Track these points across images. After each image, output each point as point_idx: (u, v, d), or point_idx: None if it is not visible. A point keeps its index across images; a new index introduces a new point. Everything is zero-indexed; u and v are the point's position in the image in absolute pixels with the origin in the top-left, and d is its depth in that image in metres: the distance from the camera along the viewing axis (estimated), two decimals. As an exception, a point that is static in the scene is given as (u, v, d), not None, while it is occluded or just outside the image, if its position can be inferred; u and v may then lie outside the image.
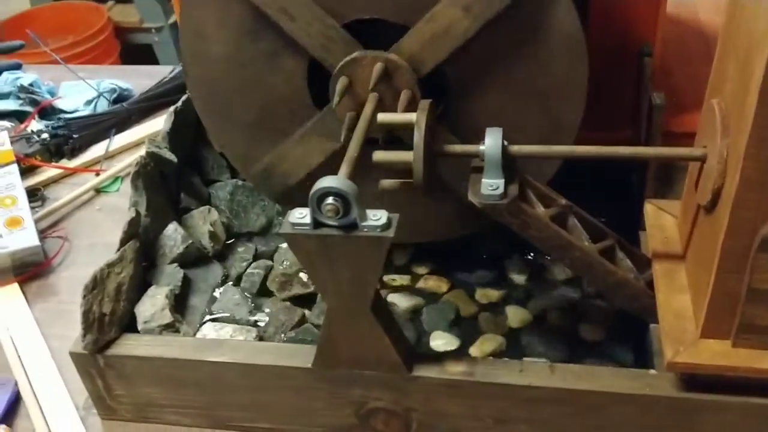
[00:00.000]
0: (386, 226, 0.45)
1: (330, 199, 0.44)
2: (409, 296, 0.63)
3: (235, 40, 0.57)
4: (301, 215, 0.45)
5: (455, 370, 0.52)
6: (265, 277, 0.64)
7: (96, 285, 0.55)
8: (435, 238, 0.63)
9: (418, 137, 0.47)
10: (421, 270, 0.66)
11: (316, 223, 0.45)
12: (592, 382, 0.51)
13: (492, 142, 0.48)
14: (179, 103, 0.66)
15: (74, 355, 0.56)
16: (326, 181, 0.44)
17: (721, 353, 0.48)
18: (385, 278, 0.65)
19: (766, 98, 0.39)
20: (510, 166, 0.50)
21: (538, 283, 0.64)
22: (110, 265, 0.56)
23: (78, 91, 0.99)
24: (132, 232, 0.59)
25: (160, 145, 0.63)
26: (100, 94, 0.96)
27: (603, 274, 0.52)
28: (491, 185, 0.49)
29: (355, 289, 0.48)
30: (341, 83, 0.54)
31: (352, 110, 0.55)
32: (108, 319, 0.55)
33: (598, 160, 0.49)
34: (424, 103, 0.49)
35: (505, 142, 0.50)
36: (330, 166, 0.52)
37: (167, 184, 0.65)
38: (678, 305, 0.51)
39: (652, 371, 0.51)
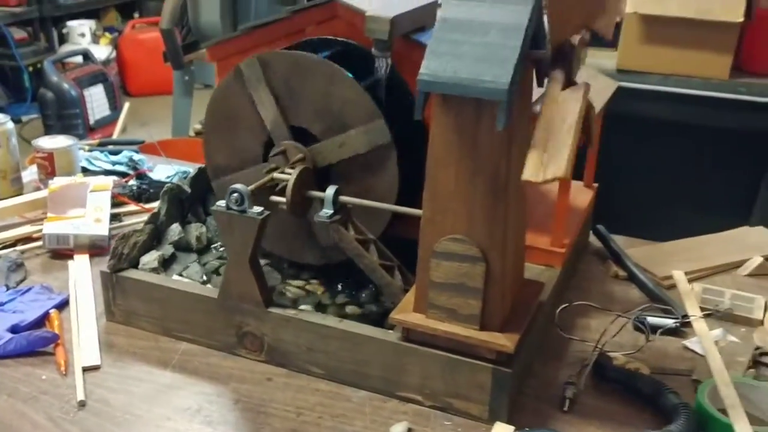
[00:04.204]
0: (260, 214, 0.90)
1: (235, 194, 0.90)
2: (298, 291, 1.05)
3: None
4: (222, 203, 0.91)
5: (290, 312, 0.94)
6: (220, 267, 1.09)
7: (124, 237, 1.02)
8: (329, 260, 1.06)
9: (288, 188, 0.93)
10: (314, 280, 1.08)
11: (228, 207, 0.91)
12: (359, 329, 0.91)
13: (329, 192, 0.93)
14: (203, 166, 1.15)
15: (102, 273, 1.02)
16: (236, 186, 0.90)
17: (419, 319, 0.87)
18: (290, 281, 1.08)
19: (431, 168, 0.82)
20: (343, 208, 0.95)
21: (376, 302, 1.04)
22: (134, 232, 1.04)
23: (166, 171, 1.52)
24: (151, 220, 1.07)
25: (183, 183, 1.13)
26: (176, 173, 1.49)
27: (379, 276, 0.94)
28: (325, 213, 0.93)
29: (242, 248, 0.92)
30: (279, 148, 1.01)
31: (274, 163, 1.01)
32: (125, 257, 1.02)
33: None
34: (299, 169, 0.95)
35: (344, 198, 0.95)
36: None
37: (182, 205, 1.13)
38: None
39: (391, 331, 0.90)
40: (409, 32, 0.99)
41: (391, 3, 0.97)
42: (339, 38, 1.04)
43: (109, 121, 4.18)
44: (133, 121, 4.48)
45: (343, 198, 0.94)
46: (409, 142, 1.00)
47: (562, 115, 0.76)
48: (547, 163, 0.76)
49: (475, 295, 0.84)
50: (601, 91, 1.18)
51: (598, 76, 1.23)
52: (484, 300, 0.84)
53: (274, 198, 0.95)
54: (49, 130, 3.96)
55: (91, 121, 4.15)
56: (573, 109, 0.76)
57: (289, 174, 0.95)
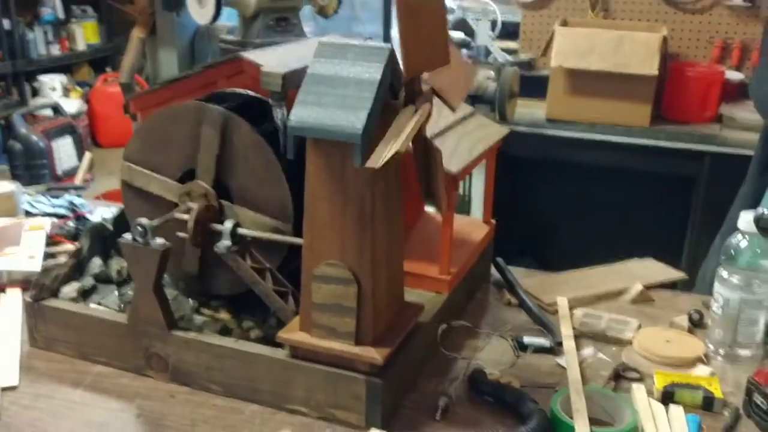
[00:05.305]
0: (162, 246, 1.00)
1: (139, 228, 1.00)
2: (206, 318, 1.15)
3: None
4: (128, 236, 1.02)
5: (190, 334, 1.03)
6: (138, 298, 1.18)
7: (46, 270, 1.12)
8: (235, 291, 1.15)
9: (190, 221, 1.04)
10: (223, 308, 1.17)
11: (133, 239, 1.01)
12: (251, 348, 1.00)
13: (227, 225, 1.04)
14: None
15: (25, 302, 1.11)
16: (140, 220, 1.00)
17: (304, 337, 0.97)
18: (202, 309, 1.17)
19: (308, 201, 0.94)
20: (242, 239, 1.05)
21: (279, 326, 1.14)
22: (55, 266, 1.14)
23: (103, 214, 1.62)
24: (73, 255, 1.17)
25: (107, 221, 1.23)
26: (113, 216, 1.59)
27: (272, 301, 1.04)
28: (224, 245, 1.04)
29: (147, 277, 1.02)
30: (184, 189, 1.12)
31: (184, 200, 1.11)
32: (46, 287, 1.11)
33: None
34: (196, 204, 1.05)
35: (241, 230, 1.05)
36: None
37: (106, 242, 1.23)
38: (302, 320, 1.01)
39: (282, 350, 1.00)
40: (304, 84, 1.11)
41: (286, 60, 1.09)
42: (243, 90, 1.16)
43: (76, 171, 4.27)
44: (102, 170, 4.58)
45: (241, 230, 1.05)
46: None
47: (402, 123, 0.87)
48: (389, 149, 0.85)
49: (350, 313, 0.94)
50: (491, 135, 1.31)
51: (490, 124, 1.36)
52: (358, 318, 0.94)
53: (180, 234, 1.05)
54: (16, 180, 4.05)
55: (59, 171, 4.24)
56: (409, 119, 0.87)
57: (191, 209, 1.05)
